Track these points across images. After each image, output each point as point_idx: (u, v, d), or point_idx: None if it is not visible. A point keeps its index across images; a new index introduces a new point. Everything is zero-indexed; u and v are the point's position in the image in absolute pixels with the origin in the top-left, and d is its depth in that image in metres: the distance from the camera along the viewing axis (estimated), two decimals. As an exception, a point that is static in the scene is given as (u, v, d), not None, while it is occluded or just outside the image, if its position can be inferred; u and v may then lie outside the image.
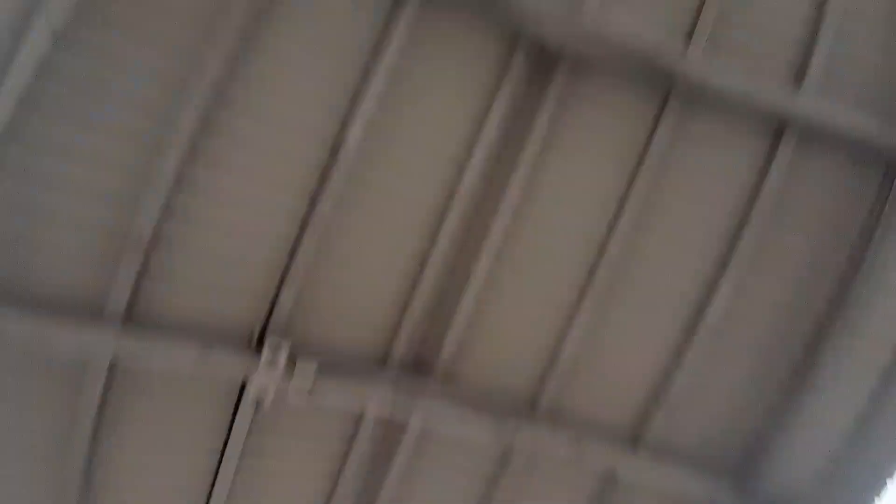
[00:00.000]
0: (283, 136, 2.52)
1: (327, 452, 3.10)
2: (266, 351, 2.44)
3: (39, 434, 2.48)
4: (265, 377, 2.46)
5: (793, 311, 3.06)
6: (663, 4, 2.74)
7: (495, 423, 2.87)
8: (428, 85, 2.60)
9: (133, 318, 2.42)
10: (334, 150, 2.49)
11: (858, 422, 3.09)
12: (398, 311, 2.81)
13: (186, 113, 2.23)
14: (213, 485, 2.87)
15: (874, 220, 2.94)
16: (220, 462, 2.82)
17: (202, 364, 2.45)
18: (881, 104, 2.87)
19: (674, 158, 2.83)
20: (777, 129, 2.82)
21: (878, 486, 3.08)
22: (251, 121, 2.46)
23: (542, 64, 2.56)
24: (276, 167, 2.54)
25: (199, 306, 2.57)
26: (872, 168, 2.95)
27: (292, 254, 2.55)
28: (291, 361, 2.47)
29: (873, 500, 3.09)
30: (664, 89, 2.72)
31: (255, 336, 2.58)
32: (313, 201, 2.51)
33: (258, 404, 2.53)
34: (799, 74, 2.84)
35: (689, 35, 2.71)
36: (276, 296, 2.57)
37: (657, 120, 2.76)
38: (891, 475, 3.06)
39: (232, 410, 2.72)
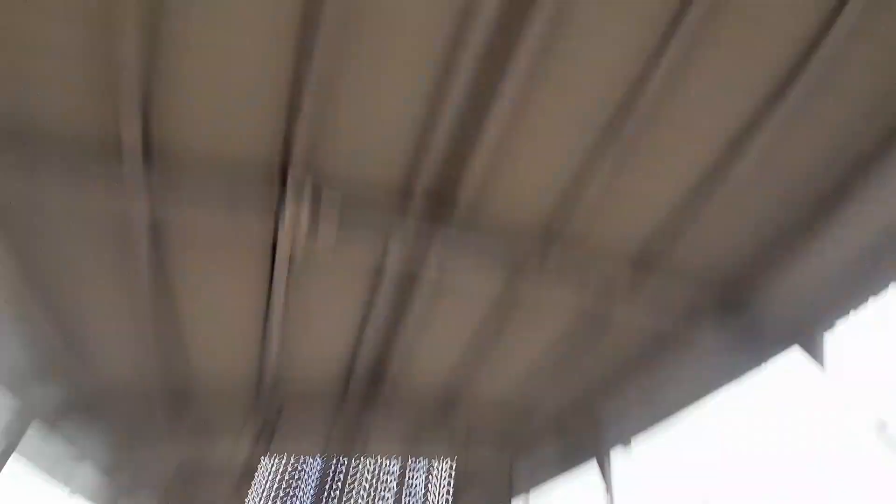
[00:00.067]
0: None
1: (357, 287, 3.49)
2: (290, 188, 2.47)
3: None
4: (292, 212, 2.49)
5: (829, 157, 2.87)
6: None
7: (509, 271, 3.03)
8: None
9: (153, 163, 2.43)
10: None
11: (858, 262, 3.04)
12: (417, 145, 2.70)
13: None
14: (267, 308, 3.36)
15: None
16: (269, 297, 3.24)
17: (232, 207, 2.52)
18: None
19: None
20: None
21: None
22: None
23: None
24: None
25: (212, 146, 2.53)
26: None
27: (299, 86, 2.33)
28: (316, 196, 2.53)
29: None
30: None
31: (276, 176, 2.58)
32: (314, 24, 2.13)
33: (292, 242, 2.62)
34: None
35: None
36: (290, 134, 2.48)
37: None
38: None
39: (271, 253, 2.89)
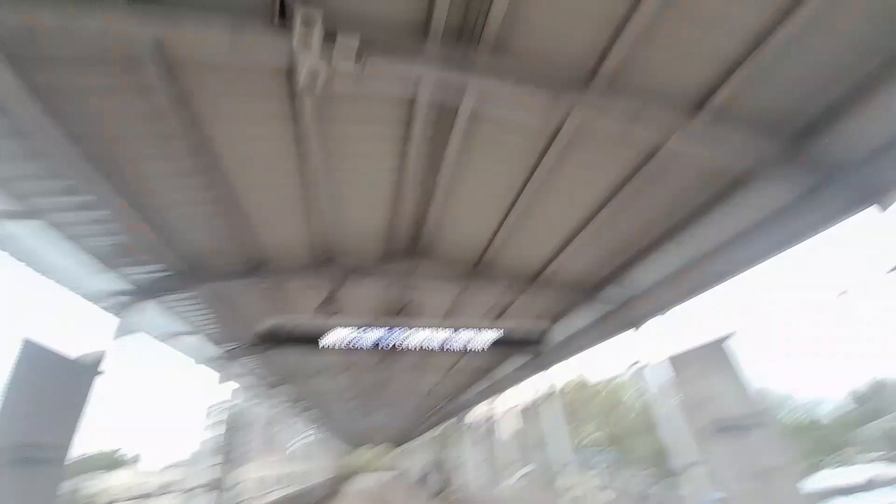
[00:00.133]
0: None
1: (387, 134, 3.48)
2: (298, 27, 2.09)
3: None
4: (304, 58, 2.20)
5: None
6: None
7: (549, 97, 2.73)
8: None
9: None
10: None
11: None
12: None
13: None
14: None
15: None
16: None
17: (236, 45, 2.20)
18: None
19: None
20: None
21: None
22: None
23: None
24: None
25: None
26: None
27: None
28: (330, 36, 2.19)
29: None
30: None
31: (277, 10, 2.21)
32: None
33: (309, 88, 2.41)
34: None
35: None
36: None
37: None
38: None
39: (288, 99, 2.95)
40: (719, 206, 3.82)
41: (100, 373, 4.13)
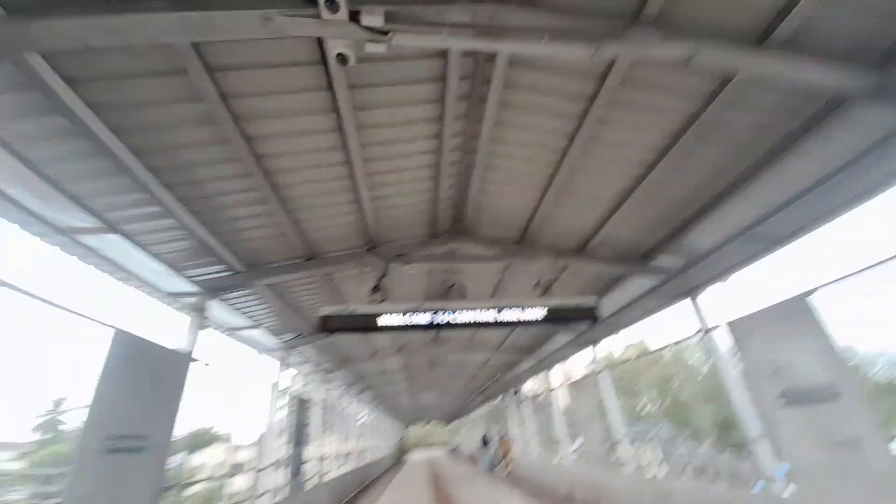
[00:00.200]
0: None
1: (425, 95, 3.41)
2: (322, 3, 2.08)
3: None
4: (332, 29, 2.19)
5: None
6: None
7: (588, 49, 2.44)
8: None
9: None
10: None
11: None
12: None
13: None
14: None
15: None
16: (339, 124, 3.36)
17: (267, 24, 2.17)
18: None
19: None
20: None
21: None
22: None
23: None
24: None
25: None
26: None
27: None
28: (355, 13, 2.16)
29: None
30: None
31: None
32: None
33: (342, 60, 2.39)
34: None
35: None
36: None
37: None
38: None
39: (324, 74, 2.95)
40: (787, 154, 3.41)
41: (194, 360, 4.56)
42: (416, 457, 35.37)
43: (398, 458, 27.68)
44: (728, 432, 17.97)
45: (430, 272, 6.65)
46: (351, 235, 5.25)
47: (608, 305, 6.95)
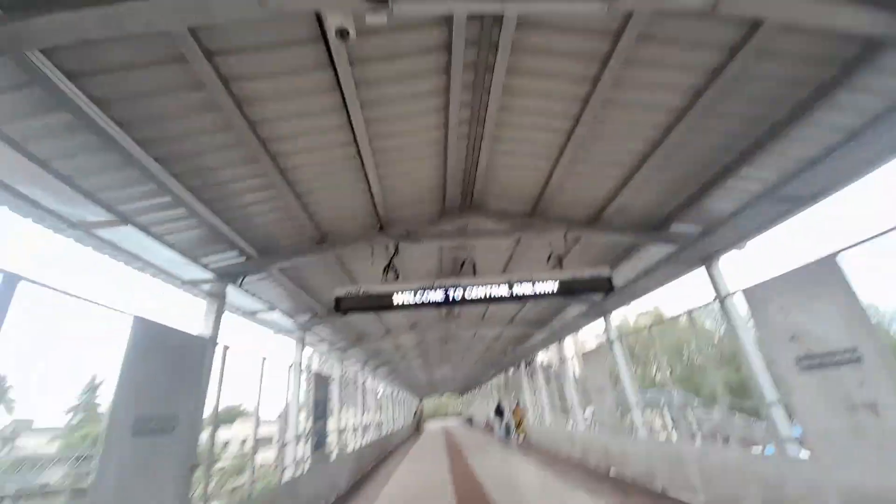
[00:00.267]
0: None
1: (430, 66, 3.28)
2: None
3: None
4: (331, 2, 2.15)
5: None
6: None
7: (601, 3, 2.26)
8: None
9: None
10: None
11: None
12: None
13: None
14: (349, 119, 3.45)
15: None
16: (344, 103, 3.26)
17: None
18: None
19: None
20: None
21: None
22: None
23: None
24: None
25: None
26: None
27: None
28: None
29: None
30: None
31: None
32: None
33: (343, 34, 2.35)
34: None
35: None
36: None
37: None
38: None
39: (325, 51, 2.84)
40: (820, 107, 3.20)
41: (217, 343, 4.69)
42: (431, 426, 36.62)
43: (415, 428, 28.67)
44: (740, 398, 18.17)
45: (441, 249, 6.62)
46: (361, 216, 5.21)
47: (621, 275, 6.89)
